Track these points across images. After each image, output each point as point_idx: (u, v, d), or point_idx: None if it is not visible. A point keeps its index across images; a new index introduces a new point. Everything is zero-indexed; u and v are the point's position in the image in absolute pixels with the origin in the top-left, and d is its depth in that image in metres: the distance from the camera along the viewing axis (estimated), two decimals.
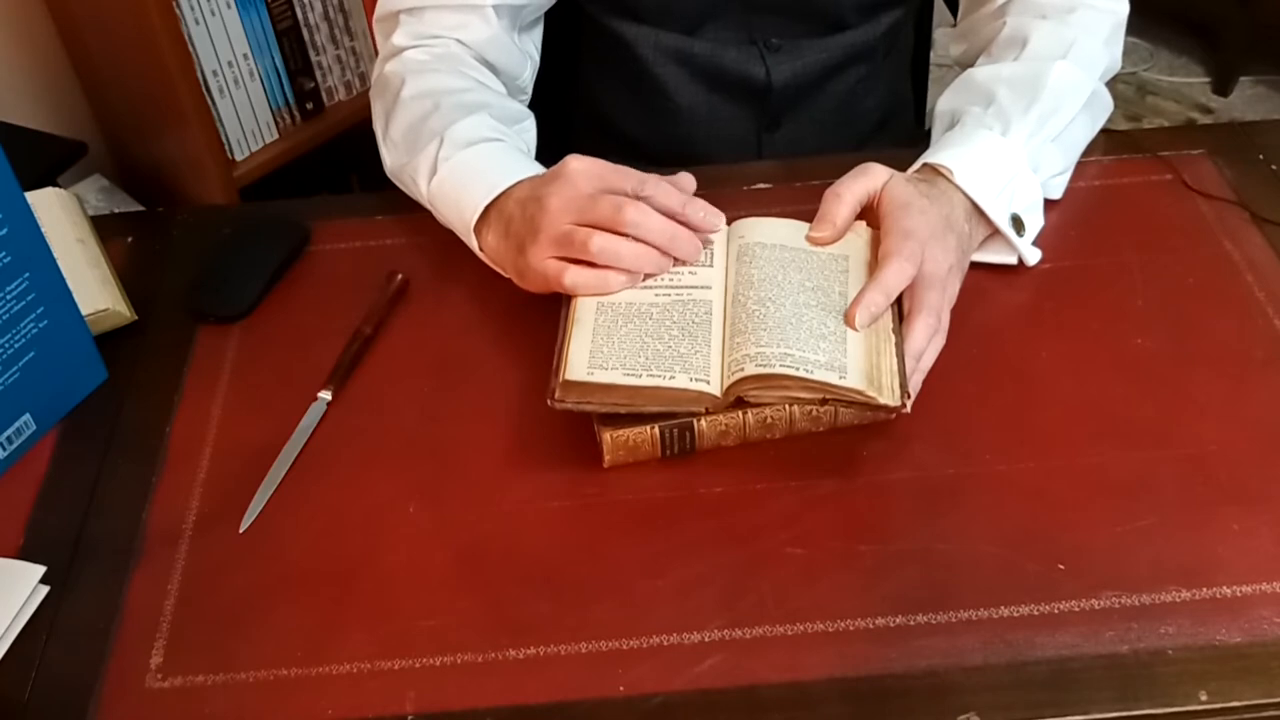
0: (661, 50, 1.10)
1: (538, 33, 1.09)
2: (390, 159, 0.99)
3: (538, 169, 0.90)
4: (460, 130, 0.92)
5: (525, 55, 1.06)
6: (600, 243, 0.81)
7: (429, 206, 0.95)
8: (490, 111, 0.95)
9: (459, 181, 0.90)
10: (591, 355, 0.78)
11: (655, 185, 0.84)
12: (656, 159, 1.06)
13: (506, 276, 0.89)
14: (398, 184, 0.99)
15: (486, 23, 1.00)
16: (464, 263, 0.92)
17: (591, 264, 0.82)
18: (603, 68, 1.16)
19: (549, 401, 0.77)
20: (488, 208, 0.88)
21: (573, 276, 0.82)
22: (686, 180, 0.87)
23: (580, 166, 0.84)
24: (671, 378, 0.77)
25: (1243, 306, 0.88)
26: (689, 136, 1.14)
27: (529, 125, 1.01)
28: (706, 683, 0.68)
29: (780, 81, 1.11)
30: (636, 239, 0.82)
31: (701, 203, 0.85)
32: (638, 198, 0.83)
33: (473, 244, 0.90)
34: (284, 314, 0.93)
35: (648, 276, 0.83)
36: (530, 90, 1.08)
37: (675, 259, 0.84)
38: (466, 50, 1.01)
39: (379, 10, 1.03)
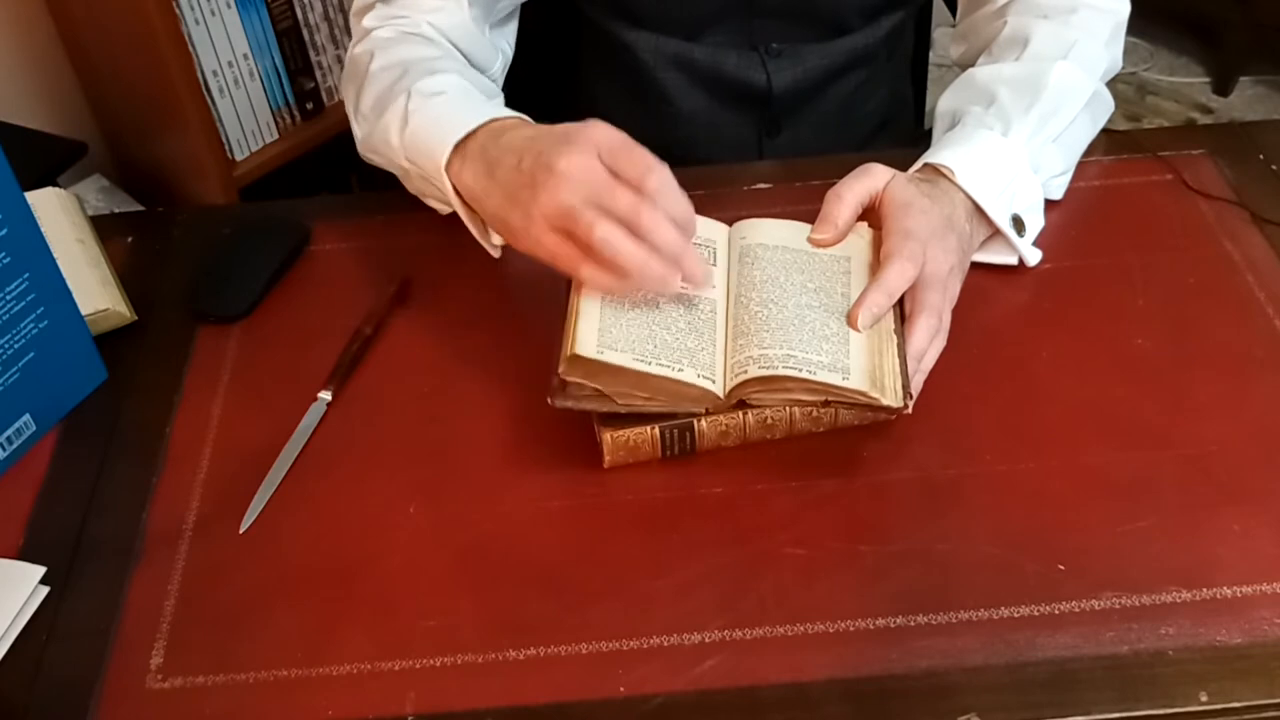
0: (662, 55, 1.10)
1: (511, 29, 1.07)
2: (361, 130, 0.96)
3: (516, 114, 0.86)
4: (428, 83, 0.90)
5: (496, 50, 1.04)
6: (604, 233, 0.74)
7: (404, 165, 0.90)
8: (461, 75, 0.93)
9: (432, 120, 0.86)
10: (601, 334, 0.77)
11: (662, 176, 0.77)
12: None
13: (483, 245, 0.88)
14: (371, 156, 0.96)
15: (459, 7, 0.99)
16: (464, 263, 0.92)
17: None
18: (603, 71, 1.16)
19: (549, 397, 0.76)
20: (465, 139, 0.83)
21: (589, 273, 0.76)
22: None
23: (602, 136, 0.77)
24: (680, 370, 0.77)
25: (1243, 306, 0.88)
26: (690, 141, 1.14)
27: (499, 103, 0.99)
28: (707, 683, 0.68)
29: (781, 87, 1.10)
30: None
31: (696, 255, 0.79)
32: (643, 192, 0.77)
33: (445, 185, 0.84)
34: (284, 314, 0.93)
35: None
36: (500, 85, 1.06)
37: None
38: (436, 32, 0.99)
39: (357, 1, 1.01)
